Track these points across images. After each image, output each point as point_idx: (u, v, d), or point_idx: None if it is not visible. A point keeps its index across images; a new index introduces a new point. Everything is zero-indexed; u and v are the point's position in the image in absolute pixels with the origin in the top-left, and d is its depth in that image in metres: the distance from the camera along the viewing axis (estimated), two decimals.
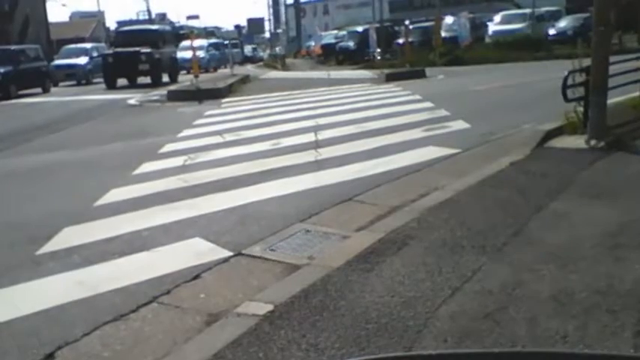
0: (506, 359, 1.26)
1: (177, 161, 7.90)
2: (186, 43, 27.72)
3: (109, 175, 7.34)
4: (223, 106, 14.71)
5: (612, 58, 7.29)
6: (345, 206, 5.56)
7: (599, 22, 6.73)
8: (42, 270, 4.34)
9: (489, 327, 3.04)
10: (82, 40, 39.13)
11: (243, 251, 4.49)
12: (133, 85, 22.54)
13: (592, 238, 4.15)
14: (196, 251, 4.56)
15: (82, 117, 14.16)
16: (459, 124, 9.36)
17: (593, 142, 6.73)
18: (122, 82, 22.77)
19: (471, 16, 30.15)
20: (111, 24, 61.94)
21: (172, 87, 19.47)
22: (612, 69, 7.25)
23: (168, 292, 3.84)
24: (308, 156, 7.73)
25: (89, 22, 53.89)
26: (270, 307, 3.32)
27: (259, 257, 4.39)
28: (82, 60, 27.05)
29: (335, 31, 41.56)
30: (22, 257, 4.65)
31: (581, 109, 7.40)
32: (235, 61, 32.07)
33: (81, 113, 15.04)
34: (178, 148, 8.85)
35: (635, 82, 8.69)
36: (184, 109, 14.51)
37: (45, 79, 23.56)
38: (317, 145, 8.42)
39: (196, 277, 4.07)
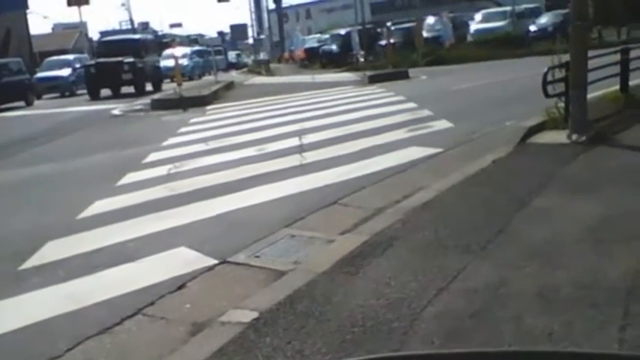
0: (505, 359, 1.25)
1: (162, 170, 7.86)
2: (169, 51, 27.63)
3: (92, 186, 7.28)
4: (208, 113, 14.67)
5: (591, 53, 7.34)
6: (330, 210, 5.56)
7: (576, 17, 6.78)
8: (25, 285, 4.29)
9: (475, 326, 3.04)
10: (65, 51, 38.82)
11: (229, 259, 4.47)
12: (116, 95, 22.41)
13: (575, 234, 4.16)
14: (181, 260, 4.53)
15: (65, 129, 14.05)
16: (442, 124, 9.39)
17: (574, 137, 6.76)
18: (106, 92, 22.66)
19: (452, 15, 30.27)
20: (94, 34, 61.33)
21: (156, 96, 19.37)
22: (592, 63, 7.30)
23: (152, 304, 3.81)
24: (293, 160, 7.72)
25: (72, 34, 53.48)
26: (255, 315, 3.30)
27: (244, 264, 4.37)
28: (65, 72, 26.85)
29: (318, 35, 41.58)
30: (5, 272, 4.60)
31: (562, 104, 7.45)
32: (219, 67, 32.02)
33: (64, 125, 14.93)
34: (163, 157, 8.81)
35: (615, 75, 8.77)
36: (168, 117, 14.45)
37: (28, 92, 23.37)
38: (302, 149, 8.42)
39: (181, 287, 4.05)
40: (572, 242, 4.04)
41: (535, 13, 29.39)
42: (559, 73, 7.32)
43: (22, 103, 22.53)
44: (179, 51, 25.02)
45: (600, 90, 8.52)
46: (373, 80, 18.86)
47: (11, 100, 22.11)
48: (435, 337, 2.96)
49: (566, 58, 7.18)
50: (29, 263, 4.71)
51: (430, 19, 29.96)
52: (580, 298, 3.24)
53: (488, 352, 1.29)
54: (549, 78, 7.26)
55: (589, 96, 7.05)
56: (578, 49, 6.80)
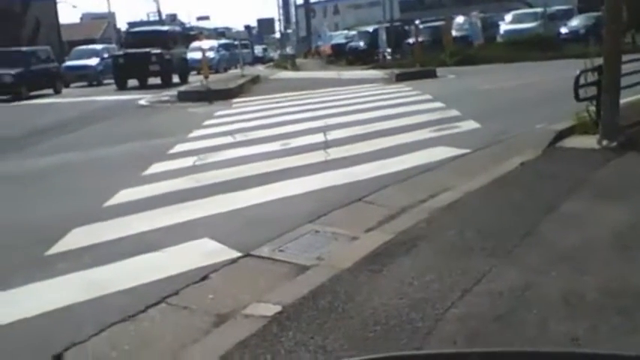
0: (512, 359, 1.24)
1: (187, 162, 7.91)
2: (196, 43, 27.76)
3: (118, 175, 7.36)
4: (234, 106, 14.73)
5: (625, 57, 7.21)
6: (355, 207, 5.54)
7: (611, 20, 6.67)
8: (51, 271, 4.34)
9: (499, 329, 3.01)
10: (93, 41, 39.27)
11: (252, 252, 4.48)
12: (143, 86, 22.62)
13: (603, 240, 4.10)
14: (205, 252, 4.55)
15: (92, 118, 14.22)
16: (470, 124, 9.31)
17: (605, 142, 6.66)
18: (133, 82, 22.87)
19: (482, 15, 30.01)
20: (122, 25, 61.88)
21: (182, 88, 19.50)
22: (625, 68, 7.18)
23: (176, 293, 3.83)
24: (317, 156, 7.72)
25: (100, 24, 54.07)
26: (278, 309, 3.30)
27: (268, 258, 4.38)
28: (93, 61, 27.21)
29: (345, 31, 41.50)
30: (31, 258, 4.66)
31: (593, 108, 7.33)
32: (245, 61, 32.08)
33: (91, 114, 15.11)
34: (188, 149, 8.87)
35: None
36: (195, 109, 14.54)
37: (56, 81, 23.71)
38: (326, 145, 8.40)
39: (205, 278, 4.06)
40: (599, 248, 3.98)
41: (567, 15, 28.96)
42: (591, 77, 7.20)
43: (50, 91, 22.84)
44: (206, 44, 25.14)
45: (633, 95, 8.38)
46: (400, 78, 18.77)
47: (40, 87, 22.45)
48: (458, 339, 2.94)
49: (598, 61, 7.07)
50: (55, 249, 4.77)
51: (459, 19, 29.73)
52: (606, 304, 3.19)
53: (495, 352, 1.29)
54: (581, 81, 7.15)
55: (621, 101, 6.94)
56: (611, 52, 6.69)
